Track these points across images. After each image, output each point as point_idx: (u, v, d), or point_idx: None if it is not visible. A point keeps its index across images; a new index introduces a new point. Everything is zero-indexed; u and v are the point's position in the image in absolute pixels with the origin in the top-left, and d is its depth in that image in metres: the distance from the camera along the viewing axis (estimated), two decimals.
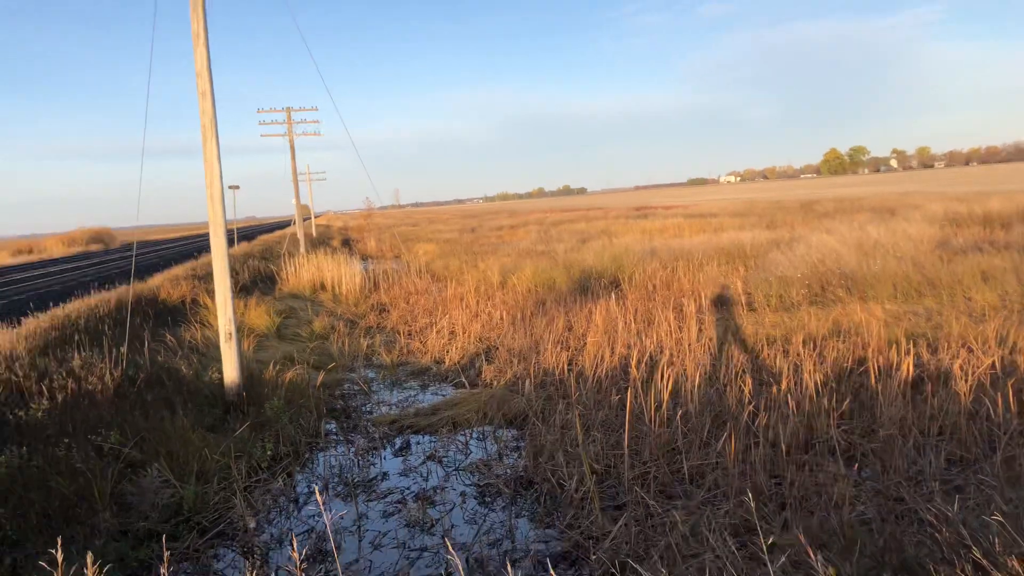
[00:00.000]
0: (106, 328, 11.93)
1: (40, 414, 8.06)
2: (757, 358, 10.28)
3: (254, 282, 22.74)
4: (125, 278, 22.48)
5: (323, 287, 22.99)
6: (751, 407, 7.88)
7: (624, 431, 7.51)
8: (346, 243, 48.64)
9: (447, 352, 13.73)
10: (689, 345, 10.68)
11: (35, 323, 12.52)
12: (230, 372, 10.31)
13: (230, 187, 34.58)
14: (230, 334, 10.27)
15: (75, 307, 14.29)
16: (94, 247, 60.27)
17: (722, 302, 14.55)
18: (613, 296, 14.85)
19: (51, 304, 15.77)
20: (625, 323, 12.50)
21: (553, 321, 13.90)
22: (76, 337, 11.08)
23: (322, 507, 2.96)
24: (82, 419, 8.24)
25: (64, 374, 9.12)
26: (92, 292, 17.06)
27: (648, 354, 10.59)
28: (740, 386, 8.48)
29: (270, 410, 9.87)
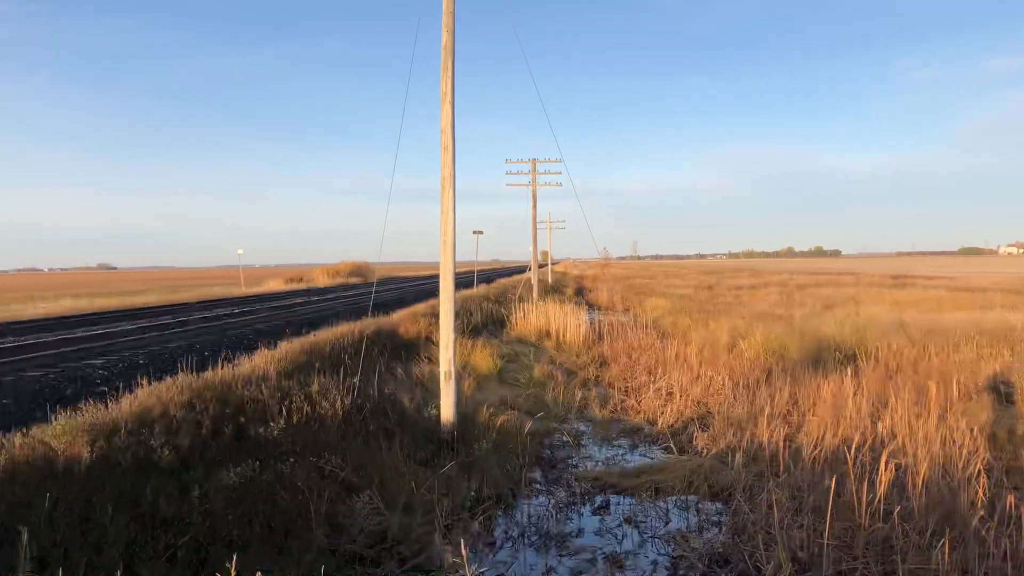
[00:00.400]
0: (346, 358, 13.00)
1: (276, 432, 8.93)
2: (1005, 458, 9.08)
3: (485, 324, 23.75)
4: (374, 310, 24.43)
5: (548, 335, 23.50)
6: (982, 512, 6.97)
7: (831, 518, 6.93)
8: (579, 292, 49.50)
9: (661, 413, 13.47)
10: (925, 435, 9.67)
11: (287, 347, 13.93)
12: (446, 410, 10.82)
13: (474, 232, 36.58)
14: (449, 373, 10.81)
15: (323, 335, 15.72)
16: (353, 280, 66.11)
17: (974, 390, 13.04)
18: (848, 371, 13.83)
19: (304, 330, 17.51)
20: (855, 403, 11.58)
21: (777, 392, 13.20)
22: (318, 364, 12.20)
23: (464, 557, 3.03)
24: (311, 440, 9.01)
25: (302, 397, 10.05)
26: (341, 322, 18.65)
27: (877, 439, 9.73)
28: (976, 487, 7.54)
29: (479, 451, 10.22)
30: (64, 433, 7.44)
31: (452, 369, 10.84)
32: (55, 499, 6.14)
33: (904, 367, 15.45)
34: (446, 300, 10.91)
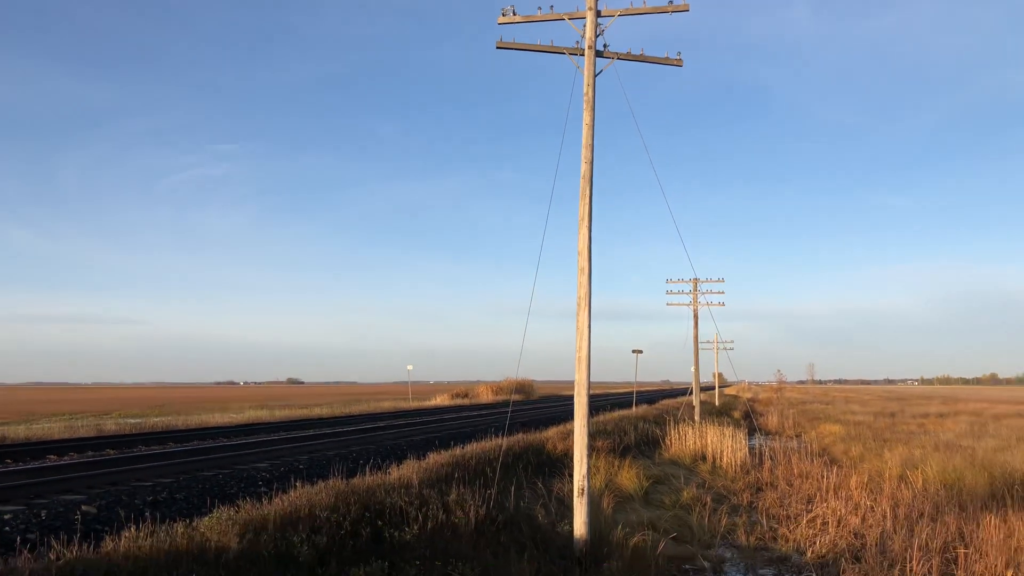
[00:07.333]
0: (488, 471, 13.34)
1: (410, 537, 9.32)
2: None
3: (638, 444, 23.44)
4: (529, 427, 24.80)
5: (703, 458, 22.82)
6: None
7: None
8: (747, 416, 47.67)
9: (812, 544, 12.74)
10: None
11: (436, 458, 14.49)
12: (579, 527, 10.84)
13: (633, 351, 36.62)
14: (582, 489, 10.88)
15: (471, 449, 16.19)
16: (517, 397, 67.02)
17: None
18: None
19: (457, 444, 18.13)
20: None
21: (944, 528, 12.20)
22: (460, 475, 12.61)
23: None
24: (442, 547, 9.31)
25: (439, 505, 10.43)
26: (494, 437, 19.09)
27: None
28: None
29: (609, 571, 10.11)
30: (216, 526, 8.19)
31: (585, 485, 10.91)
32: None
33: None
34: (579, 416, 11.12)
